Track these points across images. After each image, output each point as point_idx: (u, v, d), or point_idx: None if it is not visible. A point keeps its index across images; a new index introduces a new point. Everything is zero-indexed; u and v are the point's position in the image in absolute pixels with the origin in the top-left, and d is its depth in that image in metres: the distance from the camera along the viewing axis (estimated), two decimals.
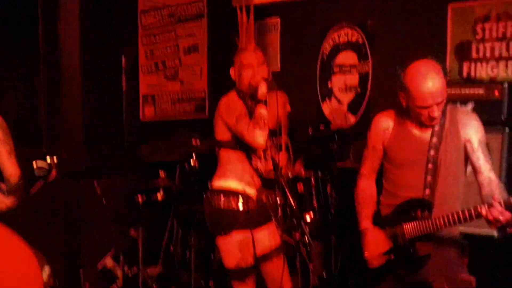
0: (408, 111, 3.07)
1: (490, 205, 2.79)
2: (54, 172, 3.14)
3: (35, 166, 3.08)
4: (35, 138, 5.49)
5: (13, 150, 3.44)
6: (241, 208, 3.50)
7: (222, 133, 3.55)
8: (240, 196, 3.51)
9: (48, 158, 3.16)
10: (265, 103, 3.43)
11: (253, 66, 3.52)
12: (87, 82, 5.59)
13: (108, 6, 5.73)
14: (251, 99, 3.55)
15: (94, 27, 5.63)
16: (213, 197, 3.55)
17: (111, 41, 5.69)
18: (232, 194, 3.52)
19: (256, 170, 3.58)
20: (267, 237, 3.64)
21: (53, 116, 5.64)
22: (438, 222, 2.92)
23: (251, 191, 3.55)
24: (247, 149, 3.52)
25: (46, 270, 3.31)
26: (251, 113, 3.47)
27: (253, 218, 3.56)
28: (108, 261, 4.17)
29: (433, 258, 3.02)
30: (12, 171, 3.38)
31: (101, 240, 4.86)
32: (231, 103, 3.53)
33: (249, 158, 3.55)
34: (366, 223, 3.17)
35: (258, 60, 3.55)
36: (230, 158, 3.56)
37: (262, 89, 3.43)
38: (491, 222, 2.80)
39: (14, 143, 3.46)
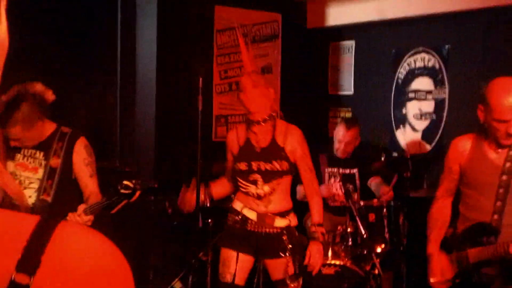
0: (485, 129, 3.03)
1: None
2: (138, 193, 3.18)
3: (121, 186, 3.12)
4: (108, 153, 5.60)
5: (95, 171, 3.53)
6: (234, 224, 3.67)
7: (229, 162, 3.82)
8: (239, 215, 3.67)
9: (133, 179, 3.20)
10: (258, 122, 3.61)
11: (246, 89, 3.63)
12: (162, 100, 5.68)
13: (185, 25, 5.81)
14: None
15: (170, 46, 5.72)
16: (228, 213, 3.79)
17: (186, 60, 5.77)
18: (235, 212, 3.70)
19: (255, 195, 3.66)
20: (272, 267, 3.68)
21: (127, 132, 5.75)
22: (501, 249, 2.84)
23: (251, 215, 3.63)
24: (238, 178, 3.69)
25: None
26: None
27: (247, 241, 3.67)
28: (177, 284, 4.19)
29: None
30: (93, 191, 3.48)
31: (169, 260, 4.89)
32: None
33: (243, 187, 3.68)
34: (432, 247, 3.16)
35: (254, 82, 3.63)
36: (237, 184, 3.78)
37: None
38: None
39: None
